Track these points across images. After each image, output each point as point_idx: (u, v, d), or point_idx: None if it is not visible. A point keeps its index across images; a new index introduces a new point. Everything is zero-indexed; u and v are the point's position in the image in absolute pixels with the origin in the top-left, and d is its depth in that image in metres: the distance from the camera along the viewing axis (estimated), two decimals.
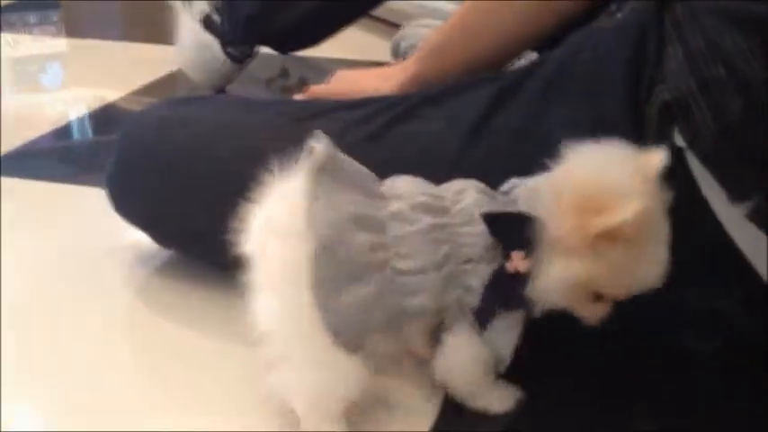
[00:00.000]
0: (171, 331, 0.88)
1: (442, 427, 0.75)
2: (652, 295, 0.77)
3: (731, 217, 0.73)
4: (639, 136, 0.75)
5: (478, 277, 0.68)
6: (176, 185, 0.89)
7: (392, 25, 1.76)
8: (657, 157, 0.66)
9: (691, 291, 0.77)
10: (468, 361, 0.71)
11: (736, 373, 0.80)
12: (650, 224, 0.64)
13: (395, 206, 0.69)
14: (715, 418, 0.76)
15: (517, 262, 0.67)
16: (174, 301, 0.93)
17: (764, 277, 0.73)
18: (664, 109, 0.74)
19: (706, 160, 0.72)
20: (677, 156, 0.74)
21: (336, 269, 0.65)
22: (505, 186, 0.72)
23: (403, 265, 0.67)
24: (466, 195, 0.71)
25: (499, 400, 0.75)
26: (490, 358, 0.71)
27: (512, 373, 0.76)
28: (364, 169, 0.71)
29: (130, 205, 0.94)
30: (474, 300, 0.68)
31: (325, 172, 0.67)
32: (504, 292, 0.67)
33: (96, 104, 1.56)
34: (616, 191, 0.63)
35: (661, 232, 0.66)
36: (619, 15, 0.84)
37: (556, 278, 0.66)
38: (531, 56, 1.02)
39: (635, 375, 0.82)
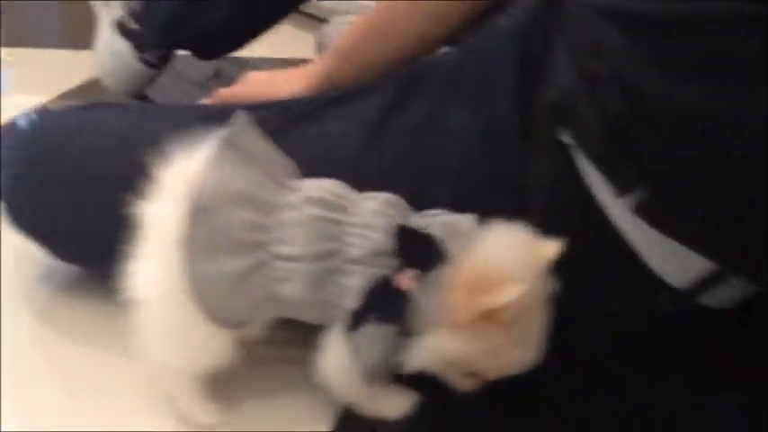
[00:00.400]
0: (75, 350, 0.87)
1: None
2: None
3: (623, 214, 0.73)
4: (529, 134, 0.76)
5: (358, 279, 0.68)
6: (74, 198, 0.87)
7: (322, 20, 1.75)
8: (552, 247, 0.68)
9: (579, 289, 0.77)
10: (345, 364, 0.70)
11: (624, 367, 0.81)
12: (531, 310, 0.66)
13: (293, 196, 0.70)
14: (605, 412, 0.79)
15: (407, 279, 0.67)
16: (78, 318, 0.91)
17: (655, 271, 0.74)
18: (551, 107, 0.75)
19: (592, 157, 0.72)
20: (565, 154, 0.74)
21: (209, 236, 0.67)
22: (427, 212, 0.72)
23: (280, 250, 0.68)
24: (373, 202, 0.71)
25: (392, 404, 0.75)
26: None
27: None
28: (281, 158, 0.73)
29: (28, 219, 0.91)
30: (348, 301, 0.68)
31: (230, 146, 0.69)
32: (384, 303, 0.67)
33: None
34: (504, 274, 0.64)
35: (540, 318, 0.68)
36: (515, 13, 0.85)
37: (431, 349, 0.67)
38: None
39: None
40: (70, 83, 1.61)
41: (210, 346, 0.71)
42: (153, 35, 1.37)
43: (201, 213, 0.67)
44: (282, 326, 0.75)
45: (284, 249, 0.68)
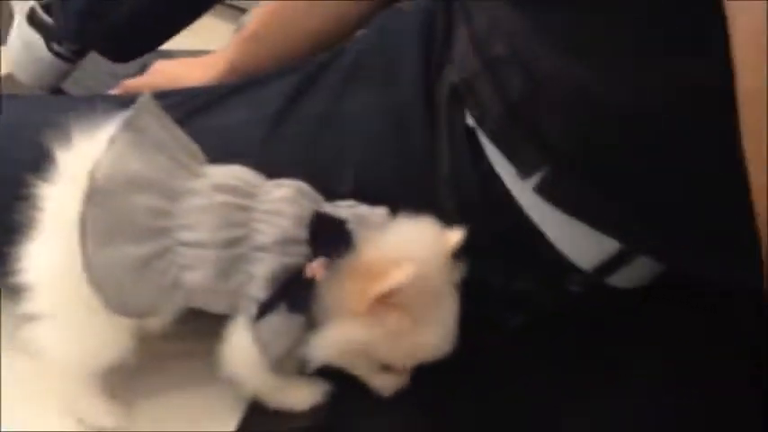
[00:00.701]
0: None
1: (248, 427, 0.73)
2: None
3: (528, 197, 0.73)
4: (432, 118, 0.76)
5: (266, 267, 0.66)
6: None
7: (243, 11, 1.73)
8: (456, 235, 0.68)
9: (490, 270, 0.77)
10: (251, 355, 0.68)
11: (542, 344, 0.82)
12: (430, 294, 0.66)
13: (199, 182, 0.68)
14: (528, 386, 0.79)
15: (317, 268, 0.66)
16: None
17: (562, 252, 0.74)
18: (453, 90, 0.75)
19: (494, 138, 0.73)
20: (471, 138, 0.74)
21: (107, 220, 0.65)
22: (339, 202, 0.71)
23: (185, 236, 0.66)
24: (282, 190, 0.70)
25: (302, 397, 0.74)
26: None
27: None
28: (187, 143, 0.71)
29: None
30: (254, 289, 0.66)
31: (131, 129, 0.66)
32: (292, 292, 0.66)
33: None
34: (397, 259, 0.64)
35: (446, 303, 0.67)
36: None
37: (331, 338, 0.66)
38: None
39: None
40: None
41: (111, 337, 0.68)
42: (66, 28, 1.32)
43: (99, 196, 0.64)
44: (188, 318, 0.72)
45: (189, 235, 0.66)
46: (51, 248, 0.66)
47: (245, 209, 0.67)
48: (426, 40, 0.79)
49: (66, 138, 0.66)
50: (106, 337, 0.68)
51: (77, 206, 0.64)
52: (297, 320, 0.67)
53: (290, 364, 0.71)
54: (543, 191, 0.71)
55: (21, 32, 1.36)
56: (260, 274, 0.66)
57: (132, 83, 1.02)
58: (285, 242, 0.67)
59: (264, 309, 0.67)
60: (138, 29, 1.27)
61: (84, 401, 0.71)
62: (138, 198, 0.65)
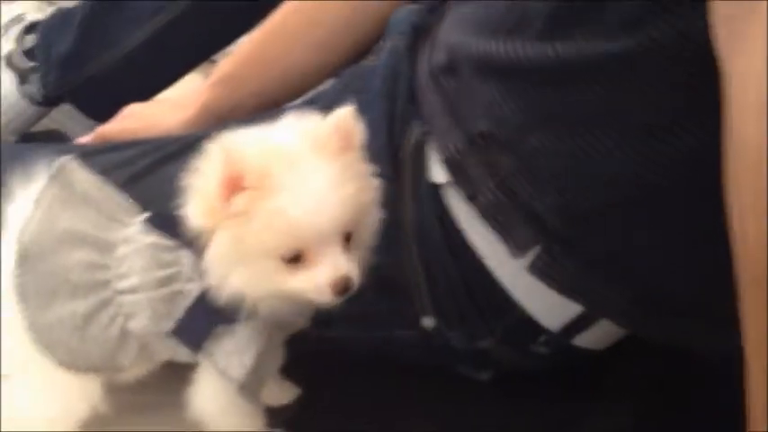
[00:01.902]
0: None
1: None
2: (416, 337, 0.78)
3: (494, 256, 0.73)
4: (397, 171, 0.76)
5: (191, 298, 0.65)
6: None
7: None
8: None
9: (453, 332, 0.78)
10: (220, 404, 0.68)
11: (512, 396, 0.82)
12: (275, 166, 0.59)
13: (129, 230, 0.67)
14: None
15: None
16: None
17: (521, 305, 0.74)
18: (418, 146, 0.75)
19: (487, 216, 0.72)
20: (433, 193, 0.75)
21: (41, 282, 0.64)
22: None
23: (122, 285, 0.66)
24: None
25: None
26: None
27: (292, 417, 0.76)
28: (116, 194, 0.69)
29: None
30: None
31: (57, 184, 0.66)
32: (221, 307, 0.63)
33: None
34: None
35: (307, 172, 0.60)
36: (382, 54, 0.85)
37: (210, 257, 0.62)
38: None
39: (426, 407, 0.83)
40: None
41: (81, 392, 0.68)
42: (46, 74, 1.30)
43: (30, 261, 0.65)
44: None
45: (125, 283, 0.66)
46: (6, 307, 0.66)
47: (173, 249, 0.66)
48: (390, 96, 0.79)
49: (9, 192, 0.67)
50: (77, 393, 0.68)
51: (9, 272, 0.65)
52: (247, 335, 0.65)
53: (261, 381, 0.69)
54: (537, 270, 0.71)
55: None
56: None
57: (106, 129, 1.01)
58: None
59: (192, 336, 0.66)
60: (119, 83, 1.25)
61: None
62: (72, 255, 0.65)
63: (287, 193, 0.58)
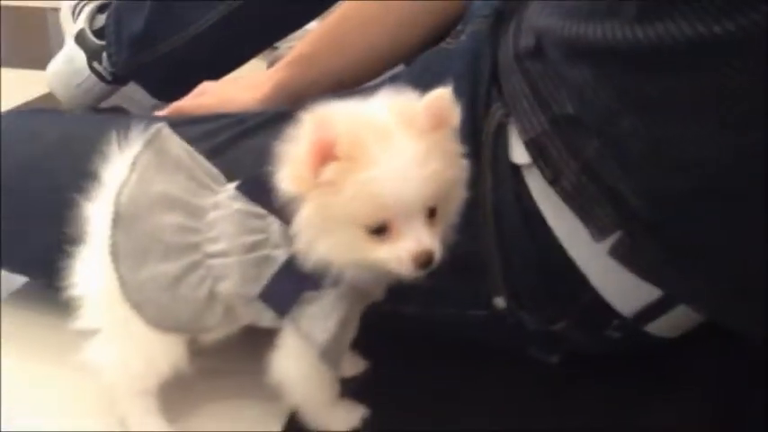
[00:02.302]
0: (20, 365, 0.84)
1: None
2: (487, 317, 0.79)
3: (574, 241, 0.74)
4: (477, 151, 0.76)
5: (278, 264, 0.67)
6: (16, 204, 0.86)
7: (273, 47, 1.75)
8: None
9: (526, 314, 0.78)
10: (298, 359, 0.69)
11: (580, 378, 0.84)
12: (366, 139, 0.60)
13: (219, 196, 0.70)
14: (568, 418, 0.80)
15: None
16: (23, 331, 0.89)
17: (596, 289, 0.75)
18: (499, 127, 0.76)
19: (569, 199, 0.72)
20: (513, 173, 0.75)
21: (135, 242, 0.67)
22: None
23: (212, 248, 0.68)
24: None
25: (341, 418, 0.74)
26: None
27: (361, 389, 0.77)
28: (206, 163, 0.73)
29: None
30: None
31: (152, 149, 0.68)
32: (308, 273, 0.65)
33: None
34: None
35: (393, 147, 0.60)
36: (462, 37, 0.85)
37: (298, 224, 0.63)
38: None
39: (492, 386, 0.84)
40: (14, 101, 1.55)
41: (165, 352, 0.70)
42: (117, 53, 1.34)
43: (126, 220, 0.67)
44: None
45: (215, 247, 0.68)
46: (99, 266, 0.68)
47: (261, 216, 0.68)
48: (472, 79, 0.79)
49: (106, 156, 0.69)
50: (161, 353, 0.70)
51: (106, 232, 0.67)
52: (330, 301, 0.67)
53: (342, 348, 0.70)
54: (618, 254, 0.71)
55: (65, 50, 1.40)
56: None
57: (181, 104, 1.02)
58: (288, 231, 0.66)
59: (280, 302, 0.67)
60: (187, 64, 1.28)
61: (139, 418, 0.72)
62: (165, 217, 0.68)
63: (376, 166, 0.60)
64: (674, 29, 0.62)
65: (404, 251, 0.61)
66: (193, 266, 0.68)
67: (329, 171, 0.60)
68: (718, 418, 0.81)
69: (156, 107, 1.42)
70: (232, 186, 0.71)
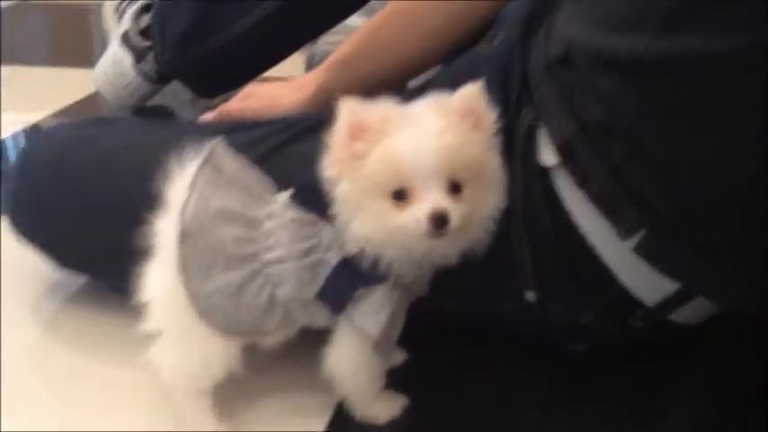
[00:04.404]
0: (83, 362, 0.90)
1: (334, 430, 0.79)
2: (519, 309, 0.83)
3: (599, 236, 0.77)
4: (509, 153, 0.79)
5: (331, 266, 0.73)
6: (79, 205, 0.92)
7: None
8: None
9: (555, 306, 0.82)
10: (351, 352, 0.75)
11: (608, 363, 0.88)
12: (394, 117, 0.68)
13: (272, 206, 0.75)
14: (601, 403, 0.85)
15: None
16: (84, 332, 0.94)
17: (621, 282, 0.79)
18: (530, 130, 0.80)
19: (596, 200, 0.76)
20: (542, 174, 0.79)
21: (200, 256, 0.72)
22: None
23: (269, 256, 0.73)
24: None
25: (384, 408, 0.80)
26: (375, 355, 0.75)
27: (400, 379, 0.82)
28: (257, 174, 0.77)
29: (33, 228, 0.95)
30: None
31: (208, 168, 0.73)
32: (361, 270, 0.71)
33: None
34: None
35: (416, 122, 0.68)
36: (495, 42, 0.89)
37: (337, 204, 0.69)
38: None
39: (523, 372, 0.89)
40: (61, 101, 1.62)
41: (223, 355, 0.76)
42: (162, 52, 1.38)
43: (191, 235, 0.71)
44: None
45: (272, 255, 0.73)
46: (165, 275, 0.74)
47: (313, 222, 0.73)
48: (504, 83, 0.83)
49: (168, 170, 0.74)
50: (217, 354, 0.75)
51: (173, 247, 0.72)
52: (382, 295, 0.72)
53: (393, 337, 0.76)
54: (643, 251, 0.74)
55: (111, 51, 1.44)
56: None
57: (229, 107, 1.07)
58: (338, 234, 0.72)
59: (335, 300, 0.73)
60: (230, 62, 1.32)
61: (195, 415, 0.77)
62: (225, 230, 0.73)
63: (397, 137, 0.67)
64: (697, 41, 0.65)
65: (419, 211, 0.67)
66: (253, 275, 0.73)
67: (359, 145, 0.68)
68: (730, 411, 0.84)
69: (194, 101, 1.49)
70: (283, 196, 0.75)
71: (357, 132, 0.68)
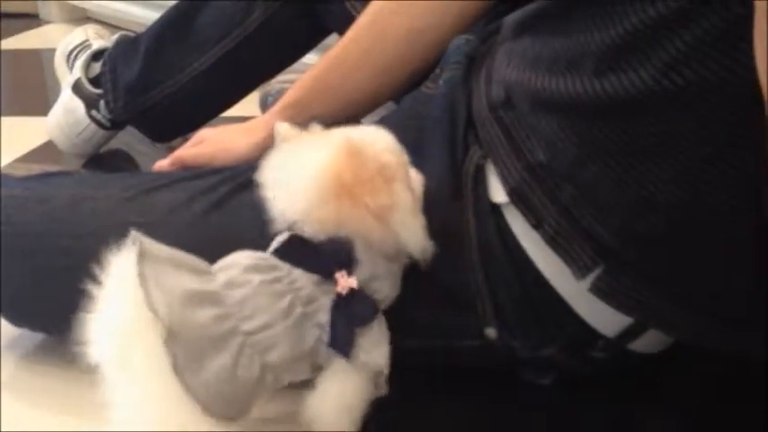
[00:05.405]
0: (42, 418, 0.89)
1: None
2: (484, 347, 0.83)
3: (553, 270, 0.78)
4: (459, 192, 0.81)
5: (325, 312, 0.72)
6: (29, 265, 0.91)
7: None
8: None
9: (516, 341, 0.83)
10: (345, 402, 0.75)
11: (572, 397, 0.89)
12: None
13: (224, 276, 0.72)
14: None
15: (343, 281, 0.72)
16: (43, 388, 0.93)
17: (580, 315, 0.79)
18: (478, 168, 0.80)
19: (551, 241, 0.76)
20: (494, 210, 0.80)
21: (187, 349, 0.67)
22: None
23: (250, 326, 0.70)
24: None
25: None
26: (365, 392, 0.75)
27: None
28: (185, 254, 0.74)
29: None
30: (326, 336, 0.73)
31: (148, 259, 0.69)
32: (354, 311, 0.72)
33: None
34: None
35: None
36: (440, 82, 0.90)
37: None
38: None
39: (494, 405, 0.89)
40: (22, 148, 1.60)
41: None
42: (113, 100, 1.38)
43: (173, 332, 0.67)
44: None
45: (253, 324, 0.70)
46: (143, 392, 0.68)
47: (279, 280, 0.72)
48: (450, 123, 0.84)
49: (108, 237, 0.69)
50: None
51: (147, 345, 0.66)
52: (378, 327, 0.74)
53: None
54: (598, 290, 0.75)
55: (63, 100, 1.44)
56: (325, 319, 0.72)
57: (181, 154, 1.07)
58: (318, 282, 0.73)
59: (343, 343, 0.73)
60: (183, 107, 1.33)
61: None
62: (199, 314, 0.69)
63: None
64: (628, 80, 0.66)
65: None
66: (241, 349, 0.69)
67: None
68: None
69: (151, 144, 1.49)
70: (219, 265, 0.73)
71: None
